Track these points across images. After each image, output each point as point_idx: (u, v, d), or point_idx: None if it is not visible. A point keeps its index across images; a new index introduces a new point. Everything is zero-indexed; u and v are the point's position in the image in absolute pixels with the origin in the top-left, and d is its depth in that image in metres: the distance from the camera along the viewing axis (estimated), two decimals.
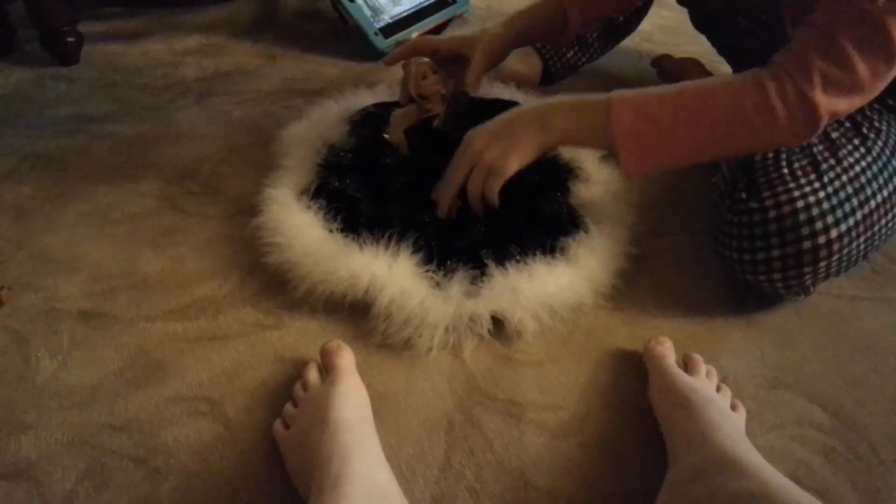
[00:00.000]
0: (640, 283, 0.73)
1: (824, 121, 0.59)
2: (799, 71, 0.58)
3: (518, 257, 0.70)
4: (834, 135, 0.69)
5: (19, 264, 0.72)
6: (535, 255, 0.70)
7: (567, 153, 0.86)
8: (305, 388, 0.57)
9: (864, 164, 0.66)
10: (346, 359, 0.59)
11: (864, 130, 0.70)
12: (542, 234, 0.73)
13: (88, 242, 0.75)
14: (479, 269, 0.69)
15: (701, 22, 1.06)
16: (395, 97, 0.94)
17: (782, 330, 0.69)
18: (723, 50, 1.04)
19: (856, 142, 0.69)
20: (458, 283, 0.67)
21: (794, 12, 0.70)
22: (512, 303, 0.66)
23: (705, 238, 0.79)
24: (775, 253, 0.63)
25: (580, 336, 0.67)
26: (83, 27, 1.15)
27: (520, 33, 0.89)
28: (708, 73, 1.11)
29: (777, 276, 0.65)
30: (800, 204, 0.62)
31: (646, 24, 1.15)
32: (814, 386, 0.63)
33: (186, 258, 0.74)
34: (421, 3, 1.30)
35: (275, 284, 0.70)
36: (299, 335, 0.65)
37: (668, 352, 0.63)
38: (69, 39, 1.10)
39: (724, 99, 0.60)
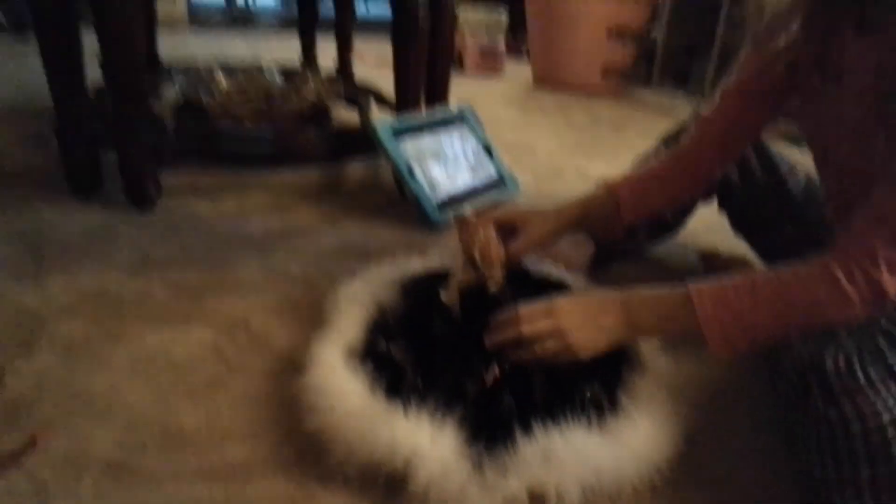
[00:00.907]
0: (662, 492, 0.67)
1: (891, 298, 0.62)
2: (865, 258, 0.62)
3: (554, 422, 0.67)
4: None
5: (57, 404, 0.70)
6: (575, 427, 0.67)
7: None
8: None
9: None
10: None
11: None
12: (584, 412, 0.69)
13: (130, 388, 0.74)
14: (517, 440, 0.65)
15: (744, 226, 1.10)
16: (445, 266, 0.96)
17: None
18: (762, 251, 1.09)
19: None
20: (499, 466, 0.63)
21: (835, 213, 0.78)
22: (550, 472, 0.62)
23: (762, 447, 0.74)
24: (865, 473, 0.57)
25: None
26: (164, 178, 1.24)
27: (572, 223, 0.94)
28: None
29: (868, 499, 0.58)
30: (885, 418, 0.57)
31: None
32: None
33: (224, 414, 0.71)
34: (475, 183, 1.39)
35: (312, 452, 0.66)
36: None
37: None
38: (149, 188, 1.19)
39: (798, 291, 0.65)
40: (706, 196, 1.07)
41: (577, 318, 0.71)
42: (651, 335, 0.73)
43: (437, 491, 0.60)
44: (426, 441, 0.63)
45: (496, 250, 0.85)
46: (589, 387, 0.74)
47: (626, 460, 0.65)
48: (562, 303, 0.73)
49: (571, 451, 0.65)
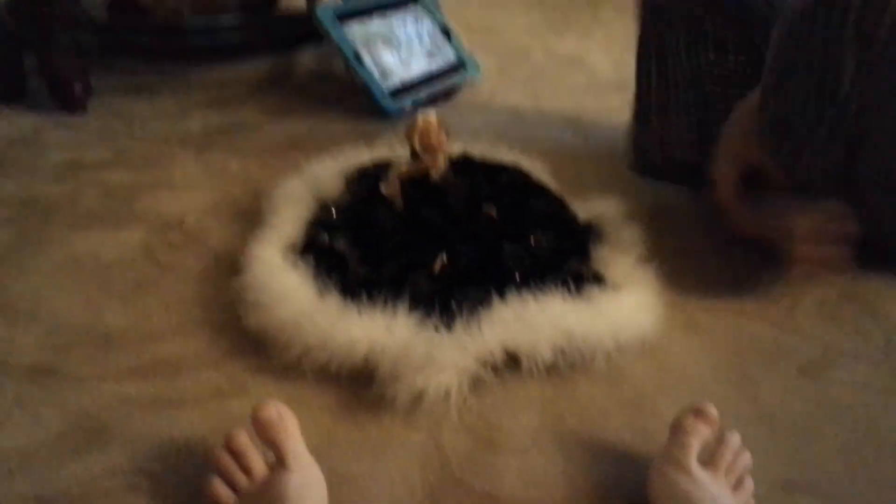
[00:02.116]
0: (641, 362, 0.67)
1: None
2: None
3: (532, 291, 0.66)
4: None
5: None
6: (549, 292, 0.67)
7: (585, 213, 0.83)
8: (247, 473, 0.50)
9: None
10: (294, 434, 0.51)
11: None
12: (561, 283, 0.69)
13: (56, 292, 0.71)
14: (481, 302, 0.66)
15: None
16: (396, 155, 0.92)
17: (800, 425, 0.61)
18: None
19: None
20: (462, 322, 0.63)
21: None
22: (527, 333, 0.62)
23: (725, 314, 0.74)
24: None
25: (572, 419, 0.60)
26: (95, 79, 1.16)
27: None
28: None
29: None
30: None
31: None
32: (835, 489, 0.55)
33: (154, 314, 0.69)
34: (431, 68, 1.31)
35: (244, 347, 0.65)
36: None
37: (696, 438, 0.53)
38: (77, 88, 1.11)
39: None
40: None
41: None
42: None
43: (404, 367, 0.59)
44: (382, 332, 0.62)
45: (437, 137, 0.80)
46: (568, 260, 0.74)
47: (602, 326, 0.65)
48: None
49: (545, 313, 0.64)
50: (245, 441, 0.51)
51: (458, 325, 0.64)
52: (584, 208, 0.84)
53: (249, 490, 0.49)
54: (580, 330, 0.64)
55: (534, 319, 0.64)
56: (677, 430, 0.54)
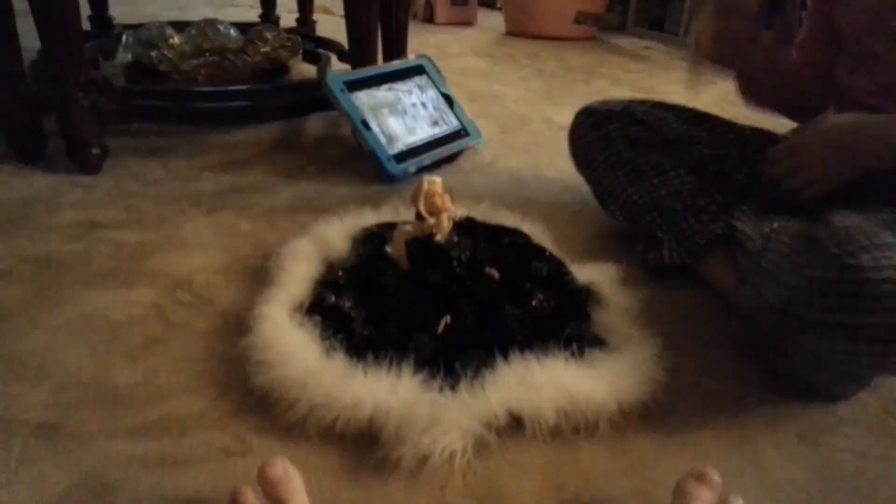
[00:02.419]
0: (644, 426, 0.67)
1: None
2: None
3: (534, 353, 0.68)
4: None
5: None
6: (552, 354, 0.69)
7: (584, 276, 0.85)
8: None
9: None
10: (300, 492, 0.52)
11: None
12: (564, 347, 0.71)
13: (66, 349, 0.72)
14: (485, 365, 0.67)
15: None
16: (400, 217, 0.95)
17: (802, 491, 0.62)
18: None
19: None
20: (467, 387, 0.65)
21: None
22: (530, 396, 0.63)
23: (724, 381, 0.75)
24: (868, 320, 0.56)
25: (575, 485, 0.61)
26: (112, 141, 1.20)
27: None
28: None
29: (877, 348, 0.57)
30: None
31: None
32: None
33: (162, 372, 0.70)
34: (435, 134, 1.36)
35: (250, 407, 0.65)
36: None
37: (699, 502, 0.53)
38: (94, 151, 1.15)
39: None
40: None
41: (819, 158, 0.75)
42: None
43: (409, 428, 0.60)
44: (387, 393, 0.63)
45: (441, 200, 0.83)
46: (568, 324, 0.75)
47: (604, 390, 0.66)
48: (804, 142, 0.78)
49: (548, 376, 0.66)
50: (251, 499, 0.51)
51: (463, 387, 0.65)
52: (584, 271, 0.86)
53: None
54: (583, 393, 0.65)
55: (537, 381, 0.66)
56: (679, 494, 0.54)
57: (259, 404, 0.65)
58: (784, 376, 0.74)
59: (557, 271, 0.85)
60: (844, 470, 0.64)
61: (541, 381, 0.65)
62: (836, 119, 0.79)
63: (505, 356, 0.68)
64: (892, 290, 0.54)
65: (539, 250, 0.90)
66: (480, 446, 0.62)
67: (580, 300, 0.81)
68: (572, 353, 0.70)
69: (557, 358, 0.68)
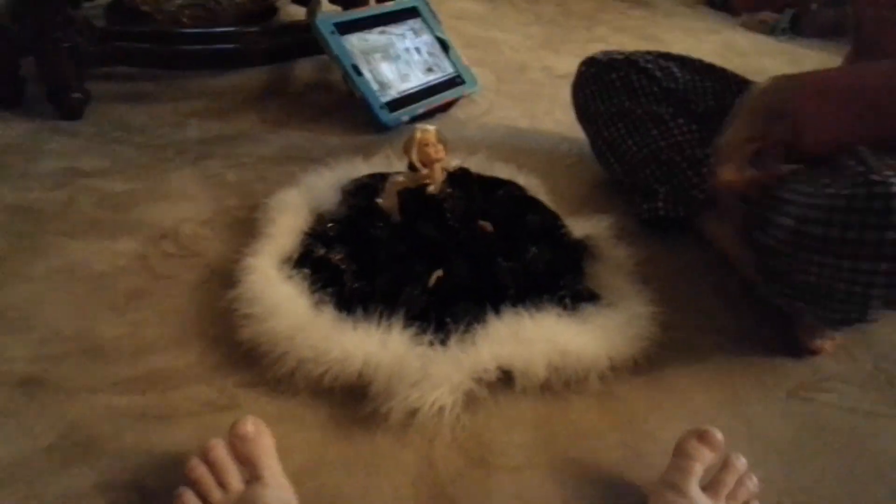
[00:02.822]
0: (634, 381, 0.67)
1: None
2: None
3: (527, 308, 0.67)
4: None
5: None
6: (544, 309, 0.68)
7: (580, 230, 0.83)
8: (224, 486, 0.49)
9: None
10: (270, 451, 0.51)
11: None
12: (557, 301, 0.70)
13: (49, 300, 0.71)
14: (476, 320, 0.66)
15: None
16: (392, 168, 0.92)
17: (791, 447, 0.62)
18: None
19: None
20: (457, 338, 0.64)
21: None
22: (521, 350, 0.63)
23: (716, 337, 0.74)
24: (891, 235, 0.54)
25: (565, 438, 0.61)
26: (93, 86, 1.16)
27: None
28: None
29: (883, 266, 0.56)
30: None
31: None
32: None
33: (147, 325, 0.69)
34: (429, 81, 1.31)
35: (237, 361, 0.65)
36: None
37: (699, 462, 0.53)
38: (75, 95, 1.11)
39: None
40: None
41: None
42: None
43: (398, 383, 0.59)
44: (376, 347, 0.62)
45: (434, 151, 0.80)
46: (562, 278, 0.74)
47: (596, 345, 0.66)
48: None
49: (539, 330, 0.65)
50: (223, 454, 0.51)
51: (453, 340, 0.64)
52: (579, 225, 0.84)
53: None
54: (574, 348, 0.65)
55: (528, 336, 0.65)
56: (680, 453, 0.54)
57: (246, 358, 0.64)
58: (775, 330, 0.74)
59: (552, 224, 0.83)
60: (833, 425, 0.65)
61: (532, 336, 0.64)
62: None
63: (497, 310, 0.67)
64: None
65: (534, 203, 0.88)
66: (470, 401, 0.61)
67: (575, 254, 0.79)
68: (564, 308, 0.69)
69: (549, 313, 0.67)
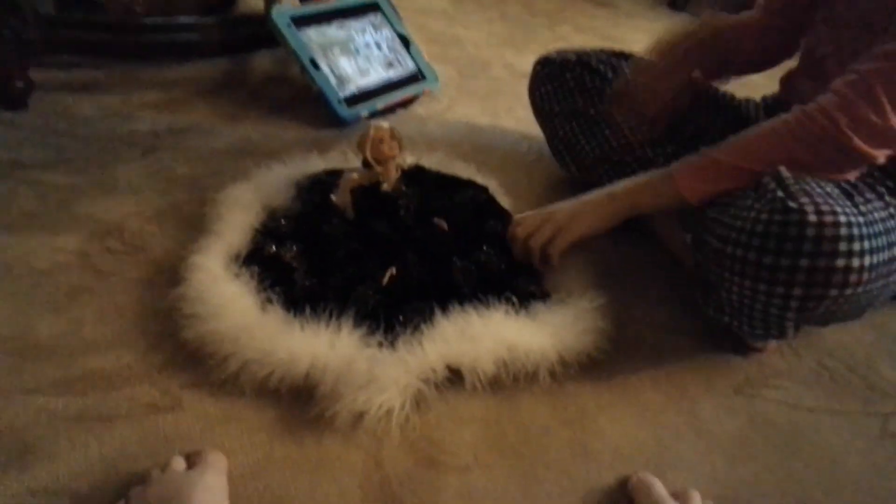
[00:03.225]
0: (584, 379, 0.68)
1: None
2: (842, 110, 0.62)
3: (475, 307, 0.67)
4: (857, 182, 0.67)
5: None
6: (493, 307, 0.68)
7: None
8: (165, 469, 0.50)
9: (885, 213, 0.62)
10: (219, 457, 0.52)
11: (880, 188, 0.67)
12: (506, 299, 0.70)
13: None
14: (424, 320, 0.66)
15: None
16: (348, 164, 0.91)
17: (735, 442, 0.63)
18: None
19: (877, 192, 0.66)
20: (405, 339, 0.63)
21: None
22: (468, 348, 0.63)
23: (666, 335, 0.75)
24: (804, 262, 0.56)
25: (514, 436, 0.61)
26: (39, 75, 1.11)
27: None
28: None
29: (797, 291, 0.58)
30: (842, 219, 0.56)
31: None
32: None
33: (87, 323, 0.66)
34: (390, 77, 1.30)
35: (180, 361, 0.63)
36: (195, 420, 0.58)
37: (654, 481, 0.56)
38: (17, 84, 1.06)
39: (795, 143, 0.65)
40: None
41: (568, 208, 0.75)
42: (637, 203, 0.73)
43: (345, 385, 0.59)
44: (324, 348, 0.61)
45: (389, 148, 0.79)
46: (517, 277, 0.74)
47: (544, 341, 0.66)
48: (555, 205, 0.77)
49: (486, 327, 0.65)
50: (175, 457, 0.52)
51: (401, 342, 0.63)
52: None
53: (158, 478, 0.49)
54: (522, 343, 0.65)
55: (475, 333, 0.65)
56: (636, 488, 0.56)
57: (190, 358, 0.63)
58: (723, 329, 0.75)
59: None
60: (776, 421, 0.66)
61: (479, 333, 0.64)
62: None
63: (445, 309, 0.67)
64: (830, 235, 0.55)
65: (492, 203, 0.88)
66: (419, 401, 0.61)
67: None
68: (513, 306, 0.68)
69: (497, 310, 0.67)
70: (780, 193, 0.59)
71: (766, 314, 0.62)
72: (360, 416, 0.58)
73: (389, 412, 0.58)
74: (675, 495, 0.55)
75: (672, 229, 0.86)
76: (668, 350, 0.74)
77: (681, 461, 0.60)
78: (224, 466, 0.52)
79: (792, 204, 0.57)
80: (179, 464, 0.51)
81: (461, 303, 0.68)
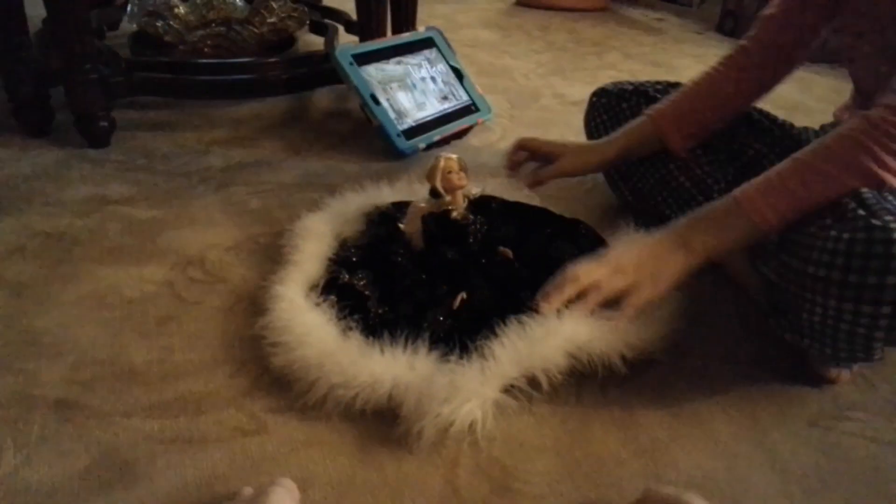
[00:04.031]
0: (654, 409, 0.68)
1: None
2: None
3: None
4: None
5: (5, 344, 0.69)
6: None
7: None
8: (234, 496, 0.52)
9: None
10: (289, 482, 0.54)
11: None
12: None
13: (80, 325, 0.73)
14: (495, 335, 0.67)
15: None
16: (414, 196, 0.94)
17: (813, 477, 0.62)
18: None
19: None
20: (478, 354, 0.65)
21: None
22: (536, 349, 0.64)
23: (735, 365, 0.75)
24: (891, 280, 0.55)
25: (587, 466, 0.61)
26: (118, 114, 1.19)
27: (610, 158, 0.94)
28: None
29: (885, 310, 0.57)
30: None
31: None
32: None
33: (177, 350, 0.70)
34: (444, 109, 1.34)
35: (265, 386, 0.66)
36: (281, 444, 0.60)
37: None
38: (102, 124, 1.14)
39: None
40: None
41: (635, 258, 0.70)
42: (713, 253, 0.70)
43: (429, 400, 0.61)
44: (404, 369, 0.64)
45: (457, 177, 0.82)
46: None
47: (611, 337, 0.67)
48: (613, 252, 0.72)
49: (551, 328, 0.66)
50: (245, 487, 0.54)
51: (475, 356, 0.65)
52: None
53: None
54: (588, 338, 0.67)
55: (541, 336, 0.66)
56: None
57: (273, 383, 0.66)
58: (795, 359, 0.74)
59: (594, 250, 0.85)
60: (855, 455, 0.65)
61: (545, 335, 0.66)
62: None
63: (505, 321, 0.69)
64: None
65: (569, 225, 0.90)
66: (495, 422, 0.62)
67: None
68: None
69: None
70: (861, 212, 0.59)
71: (853, 335, 0.61)
72: (444, 431, 0.59)
73: (473, 424, 0.60)
74: None
75: (740, 258, 0.86)
76: (738, 381, 0.73)
77: (756, 493, 0.60)
78: (294, 486, 0.54)
79: (876, 222, 0.57)
80: (247, 490, 0.53)
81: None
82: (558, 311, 0.69)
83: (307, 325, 0.67)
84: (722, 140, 0.95)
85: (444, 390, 0.61)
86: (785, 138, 0.94)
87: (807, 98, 1.67)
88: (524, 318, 0.68)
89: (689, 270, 0.70)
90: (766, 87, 0.92)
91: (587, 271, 0.69)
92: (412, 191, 0.97)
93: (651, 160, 0.97)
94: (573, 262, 0.70)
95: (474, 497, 0.57)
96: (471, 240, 0.81)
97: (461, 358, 0.66)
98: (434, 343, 0.67)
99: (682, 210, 0.91)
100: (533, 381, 0.65)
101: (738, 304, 0.85)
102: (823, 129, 0.94)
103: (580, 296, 0.69)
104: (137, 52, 1.54)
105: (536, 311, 0.70)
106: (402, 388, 0.62)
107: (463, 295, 0.74)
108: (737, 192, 0.70)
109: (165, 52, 1.56)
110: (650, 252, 0.70)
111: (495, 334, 0.68)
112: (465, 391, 0.61)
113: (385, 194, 0.97)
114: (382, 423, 0.62)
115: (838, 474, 0.62)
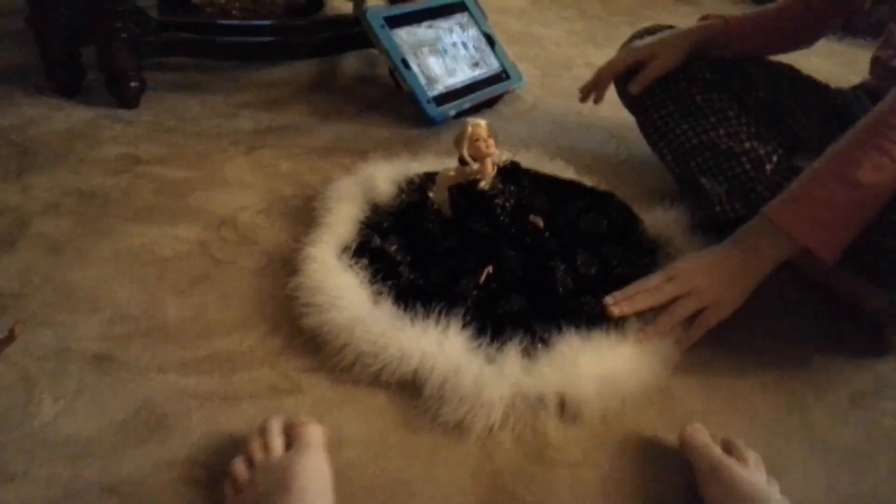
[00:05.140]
0: (691, 382, 0.67)
1: None
2: None
3: (577, 329, 0.66)
4: None
5: (42, 298, 0.70)
6: (593, 328, 0.67)
7: (654, 228, 0.84)
8: (267, 449, 0.52)
9: None
10: (316, 435, 0.53)
11: None
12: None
13: (115, 282, 0.73)
14: (531, 339, 0.65)
15: None
16: (443, 164, 0.92)
17: (853, 452, 0.61)
18: None
19: None
20: (512, 357, 0.63)
21: None
22: (575, 379, 0.62)
23: (776, 338, 0.73)
24: None
25: (621, 436, 0.61)
26: (149, 76, 1.18)
27: (692, 48, 0.94)
28: None
29: None
30: None
31: None
32: None
33: (210, 308, 0.70)
34: (475, 77, 1.31)
35: (298, 346, 0.66)
36: (315, 404, 0.60)
37: (709, 441, 0.56)
38: (132, 84, 1.13)
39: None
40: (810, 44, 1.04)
41: (707, 274, 0.69)
42: (787, 257, 0.68)
43: (452, 387, 0.60)
44: (434, 347, 0.63)
45: (486, 145, 0.80)
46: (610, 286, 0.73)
47: (649, 367, 0.65)
48: (680, 265, 0.71)
49: (590, 358, 0.64)
50: (274, 424, 0.54)
51: (507, 359, 0.63)
52: (652, 220, 0.86)
53: (263, 464, 0.50)
54: (626, 377, 0.64)
55: (580, 363, 0.63)
56: (688, 446, 0.57)
57: (307, 343, 0.66)
58: (834, 337, 0.73)
59: (626, 225, 0.84)
60: (895, 432, 0.63)
61: (584, 363, 0.63)
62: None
63: (549, 326, 0.66)
64: None
65: (601, 198, 0.88)
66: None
67: (643, 257, 0.79)
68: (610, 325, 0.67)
69: (600, 335, 0.66)
70: None
71: None
72: (459, 425, 0.59)
73: (492, 427, 0.59)
74: (726, 449, 0.56)
75: None
76: (777, 357, 0.71)
77: (795, 468, 0.59)
78: (321, 441, 0.53)
79: None
80: (277, 441, 0.52)
81: (559, 311, 0.68)
82: (623, 318, 0.68)
83: (339, 288, 0.67)
84: (768, 105, 0.92)
85: (467, 387, 0.59)
86: (823, 103, 0.92)
87: (847, 72, 1.62)
88: (566, 331, 0.66)
89: (762, 281, 0.68)
90: (815, 35, 1.00)
91: (657, 288, 0.69)
92: (441, 163, 0.95)
93: (696, 118, 0.92)
94: (644, 276, 0.71)
95: (508, 463, 0.57)
96: (498, 210, 0.79)
97: (493, 343, 0.64)
98: (465, 320, 0.66)
99: (728, 180, 0.88)
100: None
101: (776, 279, 0.83)
102: (855, 90, 0.91)
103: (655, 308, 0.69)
104: (166, 13, 1.53)
105: (604, 313, 0.68)
106: (429, 368, 0.61)
107: (489, 269, 0.73)
108: (764, 211, 0.68)
109: (193, 13, 1.54)
110: (722, 268, 0.69)
111: (534, 336, 0.65)
112: (486, 396, 0.59)
113: (415, 162, 0.95)
114: (416, 386, 0.62)
115: (880, 454, 0.61)
